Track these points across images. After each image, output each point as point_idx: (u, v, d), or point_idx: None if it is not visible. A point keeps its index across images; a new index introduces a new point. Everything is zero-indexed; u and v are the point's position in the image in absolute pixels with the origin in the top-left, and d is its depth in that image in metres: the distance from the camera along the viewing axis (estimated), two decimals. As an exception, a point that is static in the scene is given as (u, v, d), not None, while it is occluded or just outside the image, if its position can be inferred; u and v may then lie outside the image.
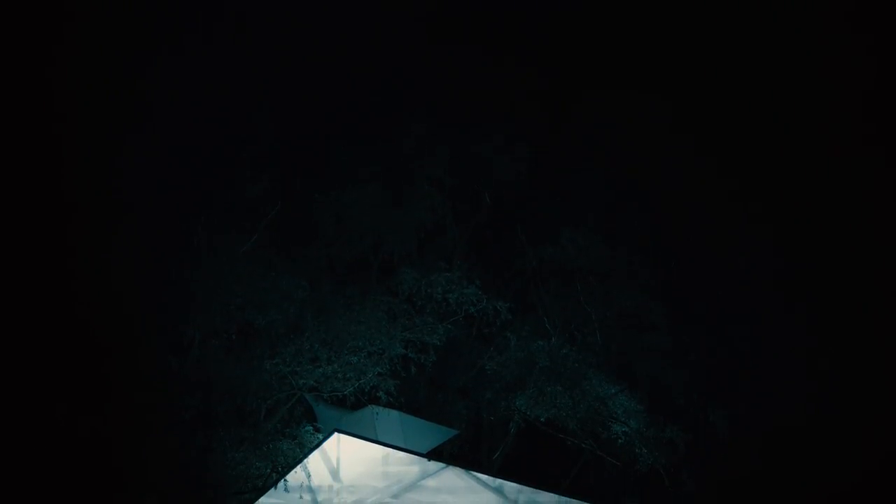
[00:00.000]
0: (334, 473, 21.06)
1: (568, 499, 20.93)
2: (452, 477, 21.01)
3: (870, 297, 20.19)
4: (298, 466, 20.74)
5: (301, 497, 20.78)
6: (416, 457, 21.11)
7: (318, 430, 22.47)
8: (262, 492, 20.83)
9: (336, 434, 20.93)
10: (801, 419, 20.16)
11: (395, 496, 21.06)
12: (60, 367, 19.35)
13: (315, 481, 20.91)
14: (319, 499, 21.02)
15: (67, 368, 19.41)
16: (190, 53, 22.33)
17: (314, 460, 20.90)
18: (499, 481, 21.06)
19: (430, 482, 21.04)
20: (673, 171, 23.13)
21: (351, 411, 23.16)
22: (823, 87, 21.55)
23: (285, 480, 20.60)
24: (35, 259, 19.65)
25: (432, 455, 22.00)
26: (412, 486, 21.09)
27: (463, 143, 24.88)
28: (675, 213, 23.30)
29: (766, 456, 20.41)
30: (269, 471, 21.32)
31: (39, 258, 19.67)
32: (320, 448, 20.93)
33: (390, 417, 22.87)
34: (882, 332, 19.76)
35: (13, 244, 19.56)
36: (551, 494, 20.95)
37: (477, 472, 21.35)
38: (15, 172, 19.83)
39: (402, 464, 21.09)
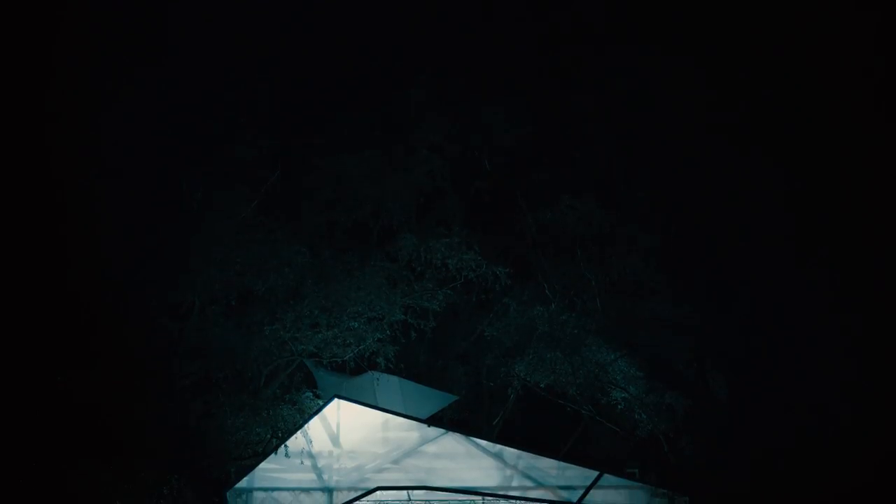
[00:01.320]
0: (334, 439, 21.12)
1: (567, 464, 20.99)
2: (452, 442, 21.07)
3: (874, 267, 20.06)
4: (299, 432, 20.80)
5: (301, 462, 20.84)
6: (415, 422, 21.17)
7: (318, 396, 22.53)
8: (262, 457, 20.88)
9: (336, 400, 20.96)
10: (803, 388, 20.11)
11: (395, 462, 21.12)
12: (59, 334, 19.30)
13: (315, 447, 20.98)
14: (320, 464, 21.07)
15: (66, 335, 19.36)
16: (190, 14, 22.19)
17: (314, 426, 20.96)
18: (498, 447, 21.14)
19: (430, 448, 21.12)
20: (675, 139, 22.97)
21: (351, 377, 23.20)
22: (834, 49, 21.28)
23: (286, 446, 20.65)
24: (33, 224, 19.56)
25: (432, 421, 22.06)
26: (412, 451, 21.16)
27: (463, 109, 24.74)
28: (677, 180, 23.17)
29: (766, 423, 20.39)
30: (269, 436, 21.36)
31: (37, 223, 19.58)
32: (320, 414, 20.97)
33: (390, 383, 22.91)
34: (886, 302, 19.65)
35: (11, 213, 19.46)
36: (551, 460, 21.03)
37: (477, 437, 21.43)
38: (11, 149, 19.69)
39: (402, 429, 21.15)
